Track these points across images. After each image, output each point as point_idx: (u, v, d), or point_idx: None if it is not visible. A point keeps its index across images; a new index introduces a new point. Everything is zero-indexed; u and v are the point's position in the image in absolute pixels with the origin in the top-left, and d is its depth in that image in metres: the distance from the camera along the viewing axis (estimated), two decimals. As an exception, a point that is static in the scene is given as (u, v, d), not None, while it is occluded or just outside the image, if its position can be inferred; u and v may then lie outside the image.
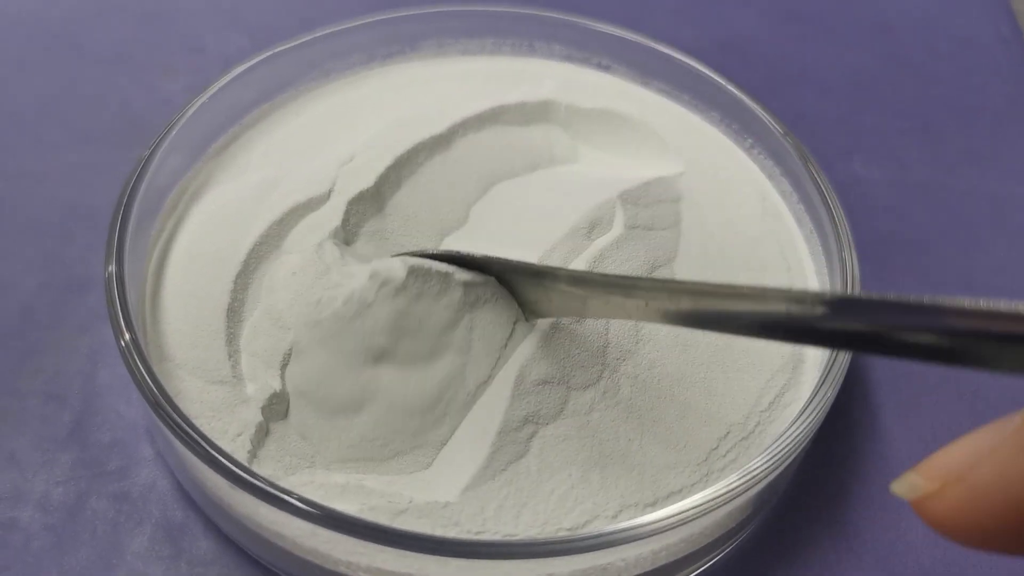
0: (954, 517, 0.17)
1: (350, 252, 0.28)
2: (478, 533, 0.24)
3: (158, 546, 0.26)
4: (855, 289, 0.28)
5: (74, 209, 0.35)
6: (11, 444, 0.28)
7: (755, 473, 0.24)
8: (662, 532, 0.22)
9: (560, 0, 0.39)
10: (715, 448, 0.26)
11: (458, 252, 0.27)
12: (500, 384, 0.26)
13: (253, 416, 0.25)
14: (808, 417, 0.25)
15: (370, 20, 0.37)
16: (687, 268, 0.30)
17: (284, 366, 0.26)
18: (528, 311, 0.27)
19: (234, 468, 0.23)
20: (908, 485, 0.17)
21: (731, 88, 0.35)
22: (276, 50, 0.35)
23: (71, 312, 0.32)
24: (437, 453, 0.25)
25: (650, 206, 0.31)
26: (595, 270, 0.29)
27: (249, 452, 0.25)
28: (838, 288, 0.29)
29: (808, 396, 0.26)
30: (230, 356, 0.27)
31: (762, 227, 0.32)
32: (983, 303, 0.17)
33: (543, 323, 0.27)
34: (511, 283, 0.27)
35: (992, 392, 0.32)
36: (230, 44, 0.43)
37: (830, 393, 0.26)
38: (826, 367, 0.26)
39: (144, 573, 0.26)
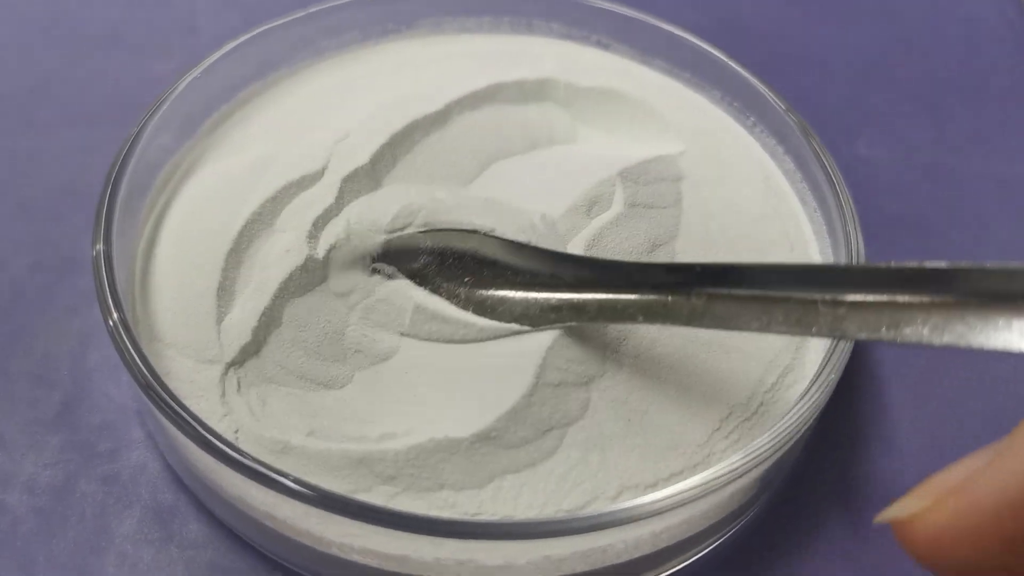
0: (944, 534, 0.16)
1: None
2: (475, 514, 0.23)
3: (148, 529, 0.26)
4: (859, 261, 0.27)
5: (66, 189, 0.34)
6: (-2, 426, 0.28)
7: (757, 453, 0.23)
8: (663, 512, 0.22)
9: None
10: (717, 429, 0.25)
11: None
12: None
13: (243, 395, 0.25)
14: (812, 397, 0.24)
15: (365, -3, 0.36)
16: (688, 247, 0.29)
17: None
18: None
19: (225, 448, 0.22)
20: (897, 507, 0.17)
21: (733, 65, 0.34)
22: (269, 26, 0.34)
23: (61, 293, 0.31)
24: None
25: (651, 184, 0.30)
26: (594, 249, 0.28)
27: (236, 432, 0.24)
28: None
29: (812, 376, 0.26)
30: (221, 335, 0.26)
31: (765, 206, 0.32)
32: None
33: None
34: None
35: (999, 371, 0.31)
36: (224, 24, 0.42)
37: (834, 374, 0.25)
38: (830, 347, 0.26)
39: (134, 556, 0.25)
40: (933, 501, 0.16)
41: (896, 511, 0.17)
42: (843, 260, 0.28)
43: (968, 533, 0.16)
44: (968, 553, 0.16)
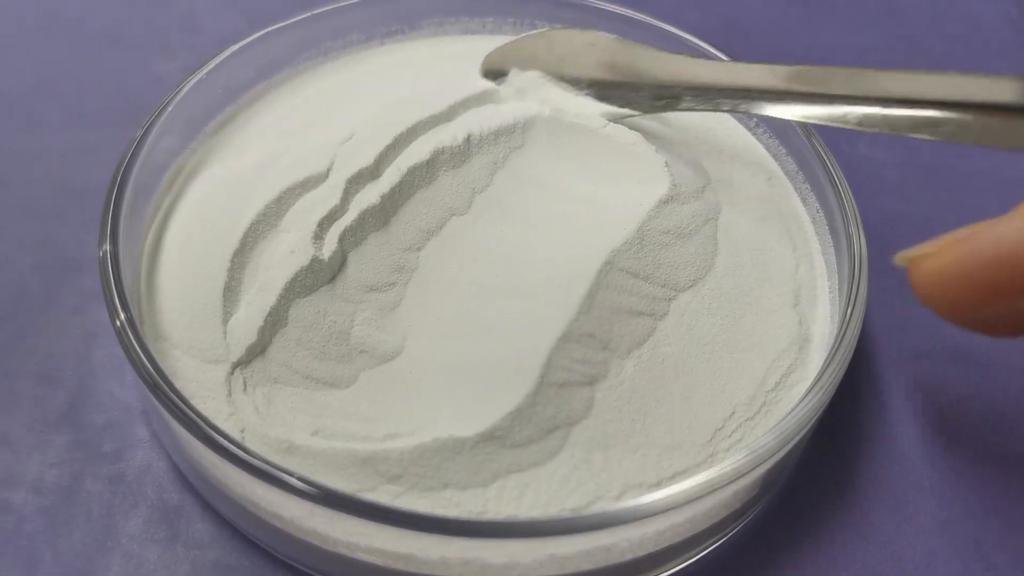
0: (944, 273, 0.20)
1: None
2: (480, 514, 0.23)
3: (154, 529, 0.26)
4: (862, 265, 0.27)
5: (69, 189, 0.35)
6: (4, 426, 0.28)
7: (760, 452, 0.23)
8: (666, 512, 0.22)
9: (562, -21, 0.39)
10: (720, 428, 0.26)
11: None
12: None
13: (249, 394, 0.25)
14: (814, 396, 0.25)
15: (369, -2, 0.36)
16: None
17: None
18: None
19: (231, 447, 0.22)
20: (914, 249, 0.21)
21: (735, 66, 0.34)
22: (273, 28, 0.34)
23: (65, 292, 0.31)
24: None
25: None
26: None
27: (242, 432, 0.24)
28: (844, 270, 0.28)
29: (814, 376, 0.26)
30: (227, 335, 0.26)
31: (767, 207, 0.32)
32: None
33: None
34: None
35: (1001, 373, 0.31)
36: (227, 24, 0.42)
37: (836, 373, 0.25)
38: (833, 346, 0.26)
39: (140, 556, 0.25)
40: (940, 247, 0.20)
41: (912, 251, 0.21)
42: (845, 260, 0.28)
43: (964, 276, 0.19)
44: (962, 294, 0.20)
